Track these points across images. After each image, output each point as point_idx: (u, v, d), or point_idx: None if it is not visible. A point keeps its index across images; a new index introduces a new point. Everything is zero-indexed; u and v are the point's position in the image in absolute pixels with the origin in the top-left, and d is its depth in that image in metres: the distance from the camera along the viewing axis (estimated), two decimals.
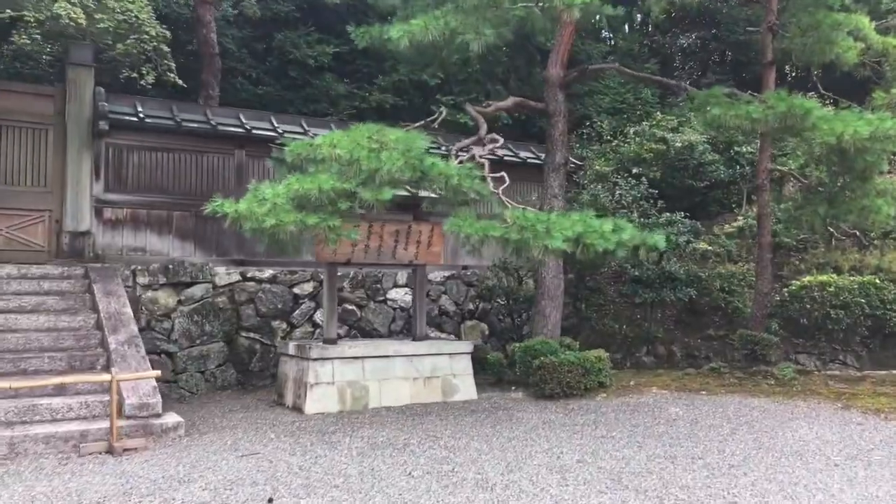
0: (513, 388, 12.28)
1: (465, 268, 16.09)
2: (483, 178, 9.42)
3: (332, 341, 11.14)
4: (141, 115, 13.17)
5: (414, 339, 11.93)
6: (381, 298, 14.81)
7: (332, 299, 11.31)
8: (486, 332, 15.76)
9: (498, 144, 10.91)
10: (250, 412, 10.60)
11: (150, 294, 11.90)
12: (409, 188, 9.83)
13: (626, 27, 26.57)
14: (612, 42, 26.46)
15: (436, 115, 11.22)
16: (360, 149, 9.00)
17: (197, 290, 12.21)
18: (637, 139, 18.28)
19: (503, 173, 10.11)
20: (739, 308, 15.36)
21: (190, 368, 11.89)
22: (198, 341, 12.00)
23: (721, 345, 15.53)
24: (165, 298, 11.99)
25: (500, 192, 9.81)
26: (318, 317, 14.05)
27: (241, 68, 19.29)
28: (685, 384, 12.98)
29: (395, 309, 14.88)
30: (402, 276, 15.14)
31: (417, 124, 11.06)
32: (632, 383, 12.96)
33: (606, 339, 15.54)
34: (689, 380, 13.44)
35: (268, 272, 13.79)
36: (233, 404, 11.19)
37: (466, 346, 11.88)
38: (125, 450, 8.16)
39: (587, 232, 8.97)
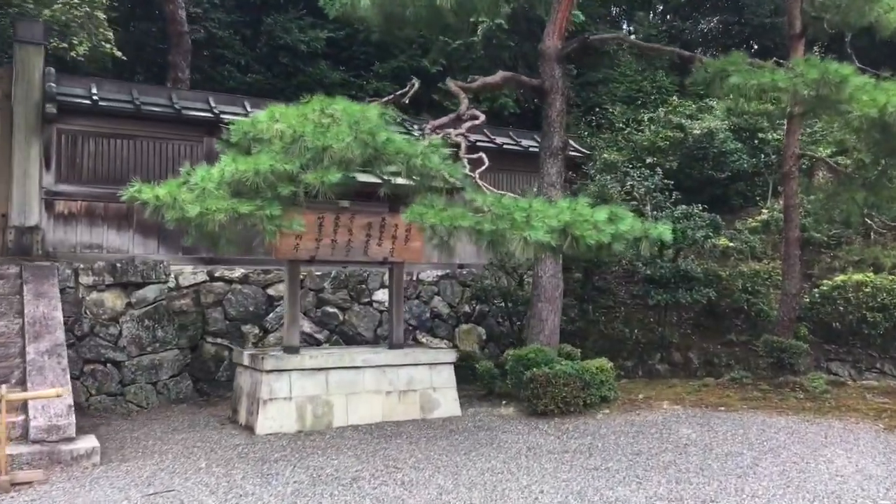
0: (503, 402, 10.63)
1: (461, 266, 14.45)
2: (455, 159, 7.79)
3: (294, 349, 9.57)
4: (95, 98, 11.71)
5: (390, 347, 10.33)
6: (367, 300, 13.24)
7: (294, 302, 9.74)
8: (484, 337, 14.11)
9: (478, 121, 9.26)
10: (195, 432, 9.06)
11: (94, 296, 10.42)
12: (377, 173, 8.22)
13: (644, 13, 24.74)
14: (630, 28, 24.65)
15: (407, 88, 9.59)
16: (306, 123, 7.43)
17: (149, 292, 10.71)
18: (652, 127, 16.50)
19: (481, 154, 8.48)
20: (764, 311, 13.55)
21: (139, 379, 10.39)
22: (149, 349, 10.50)
23: (743, 351, 13.73)
24: (113, 300, 10.50)
25: (487, 179, 8.16)
26: None
27: (229, 55, 17.84)
28: (702, 398, 11.22)
29: (382, 312, 13.29)
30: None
31: (385, 99, 9.48)
32: (640, 396, 11.23)
33: (616, 345, 13.82)
34: (707, 392, 11.67)
35: (239, 271, 12.28)
36: (181, 422, 9.67)
37: (448, 355, 10.24)
38: (14, 484, 6.65)
39: (576, 222, 7.32)
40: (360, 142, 7.07)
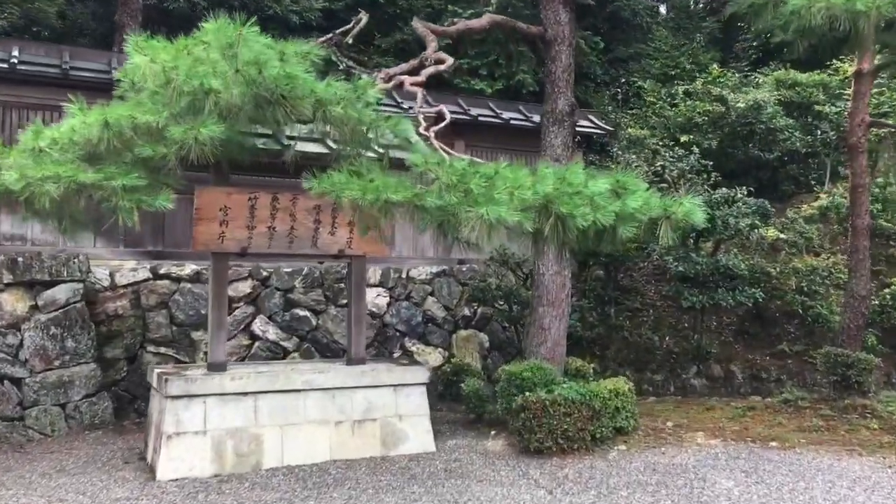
0: (492, 431, 8.19)
1: (461, 262, 12.02)
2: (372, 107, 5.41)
3: (219, 367, 7.27)
4: (13, 62, 9.57)
5: (348, 363, 7.97)
6: (345, 301, 10.87)
7: (220, 306, 7.43)
8: (486, 345, 11.66)
9: (445, 66, 6.80)
10: (87, 473, 6.82)
11: None
12: (280, 131, 5.89)
13: None
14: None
15: (352, 24, 7.21)
16: (182, 58, 5.12)
17: (60, 293, 8.51)
18: (688, 101, 13.85)
19: (441, 107, 6.08)
20: (823, 315, 10.89)
21: (44, 401, 8.20)
22: (57, 363, 8.31)
23: (798, 364, 11.09)
24: (13, 303, 8.33)
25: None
26: (259, 326, 10.26)
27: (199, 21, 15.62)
28: (747, 427, 8.64)
29: None
30: (376, 273, 11.20)
31: (324, 38, 7.14)
32: (669, 425, 8.69)
33: (643, 355, 11.28)
34: (754, 418, 9.09)
35: (189, 268, 10.05)
36: (80, 456, 7.43)
37: (418, 373, 7.81)
38: None
39: (562, 195, 4.86)
40: (242, 78, 4.71)
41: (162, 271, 9.94)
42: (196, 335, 9.84)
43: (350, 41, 7.23)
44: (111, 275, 9.70)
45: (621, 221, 4.98)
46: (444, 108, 5.97)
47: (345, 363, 8.00)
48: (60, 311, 8.44)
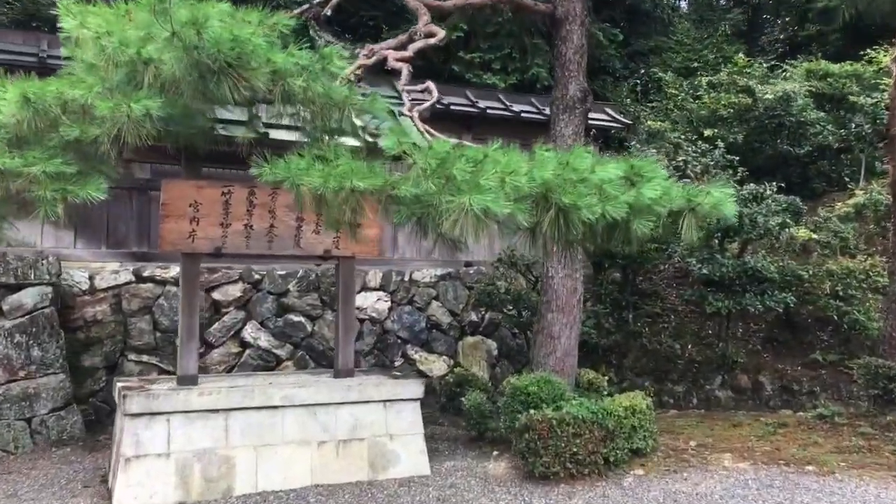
0: (495, 452, 7.30)
1: (468, 264, 11.16)
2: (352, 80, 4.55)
3: (190, 380, 6.45)
4: None
5: (335, 376, 7.12)
6: None
7: (191, 312, 6.59)
8: (494, 353, 10.77)
9: (436, 39, 5.90)
10: (38, 500, 6.04)
11: None
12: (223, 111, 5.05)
13: None
14: None
15: None
16: (119, 22, 4.31)
17: (27, 297, 7.74)
18: (712, 93, 12.86)
19: (428, 83, 5.20)
20: (861, 322, 9.89)
21: (6, 415, 7.42)
22: (22, 373, 7.53)
23: (832, 375, 10.09)
24: None
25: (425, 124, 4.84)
26: (249, 332, 9.45)
27: None
28: (778, 447, 7.68)
29: (363, 321, 10.11)
30: (376, 276, 10.36)
31: (299, 10, 6.30)
32: (692, 444, 7.74)
33: (663, 364, 10.33)
34: (786, 437, 8.12)
35: (175, 270, 9.21)
36: (39, 478, 6.65)
37: (411, 387, 6.92)
38: None
39: (564, 182, 3.97)
40: (180, 42, 3.87)
41: (146, 274, 9.17)
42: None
43: (329, 13, 6.36)
44: (91, 277, 8.95)
45: (636, 215, 4.08)
46: (432, 85, 5.10)
47: (332, 376, 7.15)
48: (27, 317, 7.67)
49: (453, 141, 4.40)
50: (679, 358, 10.33)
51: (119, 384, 6.49)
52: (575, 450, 6.36)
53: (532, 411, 6.52)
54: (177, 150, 6.41)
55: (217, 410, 6.21)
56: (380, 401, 6.75)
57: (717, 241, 10.16)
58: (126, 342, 8.94)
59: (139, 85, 4.24)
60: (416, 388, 6.91)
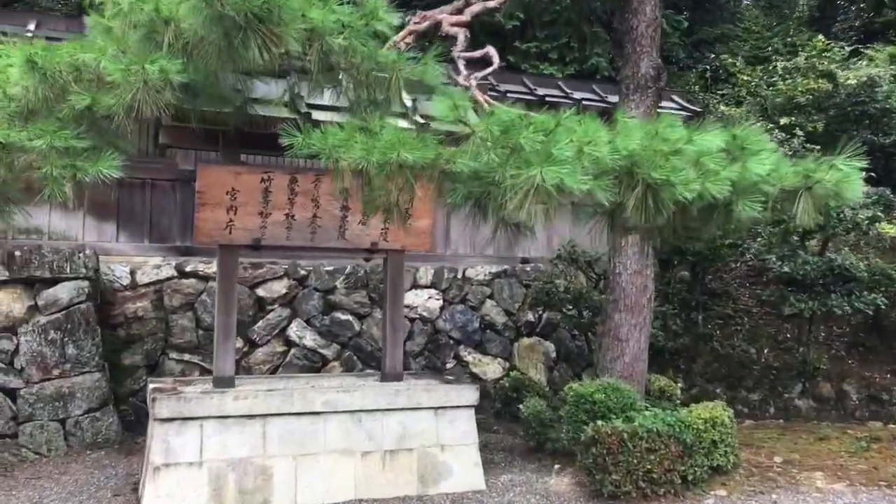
0: (556, 465, 6.57)
1: (524, 260, 10.44)
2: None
3: (226, 381, 5.90)
4: None
5: (382, 379, 6.49)
6: None
7: (228, 310, 6.03)
8: (553, 356, 10.02)
9: (495, 2, 5.21)
10: None
11: None
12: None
13: None
14: None
15: None
16: None
17: (62, 292, 7.29)
18: (787, 79, 11.88)
19: (488, 48, 4.51)
20: None
21: (39, 415, 7.00)
22: (56, 372, 7.10)
23: None
24: (9, 303, 7.15)
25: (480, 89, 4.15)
26: (295, 331, 8.91)
27: None
28: (876, 465, 6.78)
29: (413, 320, 9.48)
30: (427, 273, 9.73)
31: None
32: (776, 461, 6.90)
33: (736, 370, 9.45)
34: (882, 453, 7.22)
35: None
36: (66, 484, 6.19)
37: (465, 393, 6.23)
38: None
39: (654, 155, 3.25)
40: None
41: (188, 269, 8.70)
42: None
43: None
44: (132, 272, 8.51)
45: (741, 194, 3.34)
46: (493, 50, 4.41)
47: (379, 379, 6.53)
48: (61, 312, 7.23)
49: (516, 110, 3.71)
50: (754, 363, 9.43)
51: (151, 385, 5.97)
52: (649, 467, 5.61)
53: (600, 422, 5.78)
54: (213, 133, 5.87)
55: (254, 416, 5.63)
56: (430, 407, 6.09)
57: (797, 237, 9.24)
58: (167, 340, 8.48)
59: (158, 47, 3.67)
60: (470, 394, 6.23)
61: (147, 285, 8.53)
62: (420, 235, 6.45)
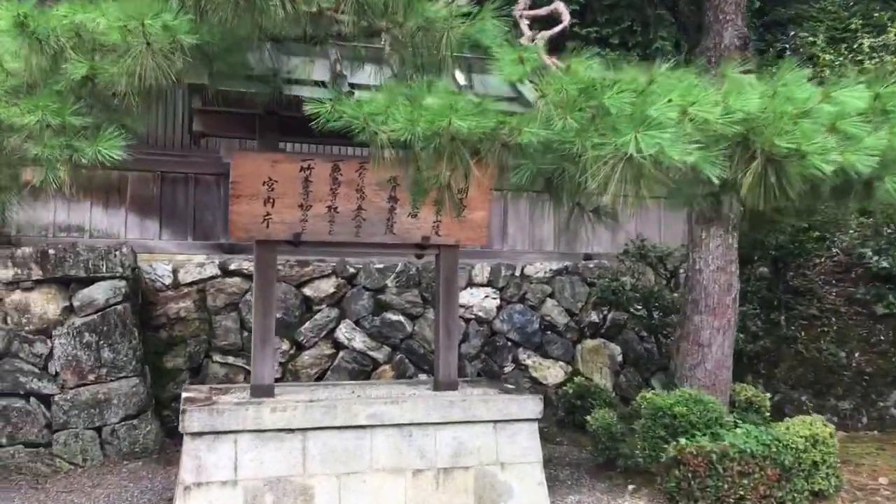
0: (630, 485, 5.81)
1: (587, 257, 9.68)
2: None
3: (265, 391, 5.32)
4: None
5: (435, 388, 5.83)
6: None
7: (267, 311, 5.45)
8: (619, 359, 9.22)
9: None
10: None
11: (16, 296, 6.67)
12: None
13: None
14: None
15: None
16: None
17: (98, 292, 6.83)
18: (875, 57, 10.81)
19: (557, 3, 3.77)
20: None
21: (74, 423, 6.55)
22: (91, 377, 6.64)
23: None
24: (43, 304, 6.73)
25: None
26: (344, 332, 8.33)
27: None
28: None
29: (468, 321, 8.80)
30: (483, 270, 9.04)
31: None
32: (882, 482, 6.00)
33: (824, 376, 8.51)
34: None
35: None
36: (98, 499, 5.71)
37: (528, 405, 5.51)
38: None
39: (774, 118, 2.48)
40: None
41: (232, 267, 8.19)
42: None
43: None
44: (174, 271, 8.04)
45: (888, 167, 2.56)
46: (562, 5, 3.69)
47: (431, 388, 5.87)
48: (97, 314, 6.77)
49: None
50: (844, 368, 8.48)
51: (184, 394, 5.43)
52: (742, 493, 4.82)
53: (683, 441, 5.02)
54: (249, 119, 5.32)
55: (293, 430, 5.03)
56: (489, 421, 5.40)
57: (890, 229, 8.26)
58: (211, 342, 7.99)
59: (169, 7, 3.07)
60: (533, 406, 5.51)
61: (190, 284, 8.05)
62: (476, 229, 5.76)
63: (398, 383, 6.75)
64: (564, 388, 8.25)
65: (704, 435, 5.13)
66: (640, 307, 8.40)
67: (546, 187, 2.80)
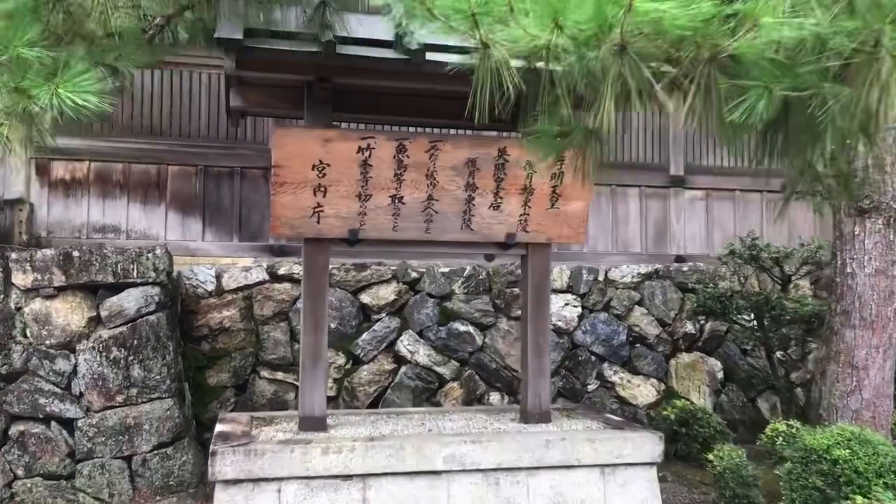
0: None
1: (679, 259, 8.42)
2: None
3: (315, 423, 4.24)
4: None
5: (523, 420, 4.67)
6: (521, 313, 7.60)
7: (318, 325, 4.37)
8: (719, 376, 7.91)
9: None
10: None
11: (36, 305, 5.74)
12: None
13: None
14: None
15: None
16: None
17: (128, 300, 5.85)
18: None
19: None
20: None
21: (101, 451, 5.58)
22: (119, 398, 5.66)
23: None
24: (66, 314, 5.78)
25: None
26: (405, 344, 7.23)
27: None
28: None
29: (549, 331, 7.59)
30: (563, 274, 7.84)
31: None
32: None
33: None
34: None
35: None
36: None
37: (643, 444, 4.30)
38: None
39: None
40: None
41: (282, 271, 7.17)
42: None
43: None
44: (217, 276, 7.06)
45: None
46: None
47: (518, 419, 4.71)
48: (126, 325, 5.79)
49: None
50: None
51: (217, 427, 4.38)
52: None
53: (860, 500, 3.73)
54: (297, 93, 4.27)
55: (351, 476, 3.92)
56: (595, 465, 4.21)
57: None
58: (258, 356, 6.98)
59: None
60: (651, 447, 4.29)
61: (235, 291, 7.05)
62: (572, 223, 4.60)
63: (476, 411, 5.58)
64: (661, 410, 7.01)
65: (882, 489, 3.85)
66: (749, 317, 7.08)
67: (782, 130, 1.64)
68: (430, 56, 3.96)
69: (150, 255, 5.93)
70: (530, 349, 4.65)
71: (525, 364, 4.71)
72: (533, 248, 4.70)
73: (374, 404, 7.07)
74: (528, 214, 4.52)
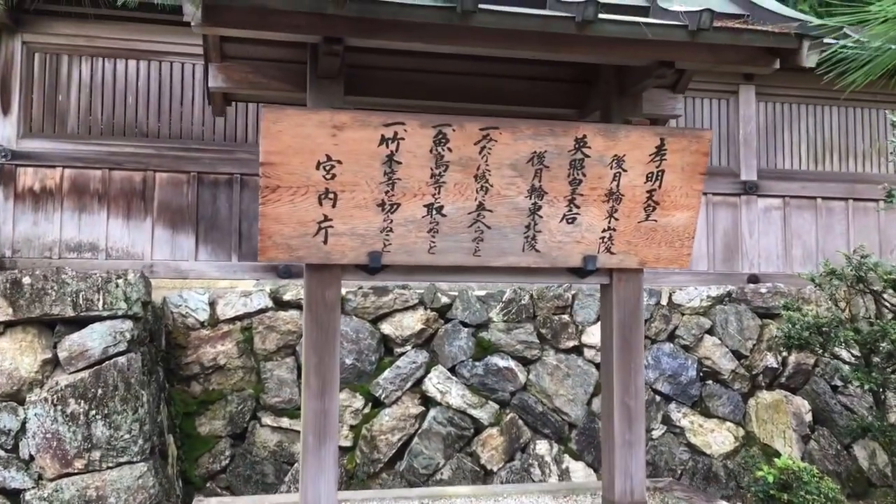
0: None
1: (753, 279, 7.09)
2: None
3: None
4: None
5: None
6: (572, 344, 6.27)
7: (327, 387, 3.08)
8: (807, 419, 6.53)
9: None
10: None
11: None
12: None
13: None
14: None
15: None
16: None
17: (93, 337, 4.57)
18: None
19: None
20: None
21: None
22: (78, 463, 4.38)
23: None
24: (13, 357, 4.51)
25: None
26: (434, 383, 5.94)
27: None
28: None
29: (598, 365, 6.27)
30: None
31: None
32: None
33: None
34: None
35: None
36: None
37: None
38: None
39: None
40: None
41: (288, 297, 5.92)
42: (341, 398, 5.64)
43: None
44: (212, 303, 5.81)
45: None
46: None
47: (595, 500, 3.39)
48: (88, 370, 4.52)
49: None
50: None
51: None
52: None
53: None
54: (296, 67, 3.01)
55: None
56: None
57: None
58: (259, 398, 5.72)
59: None
60: None
61: (232, 320, 5.81)
62: (674, 242, 3.28)
63: (539, 492, 4.18)
64: (743, 462, 5.69)
65: None
66: (851, 353, 5.72)
67: None
68: (483, 6, 2.70)
69: (119, 281, 4.67)
70: (616, 413, 3.34)
71: (609, 432, 3.40)
72: (619, 276, 3.38)
73: (397, 456, 5.78)
74: (613, 229, 3.21)
